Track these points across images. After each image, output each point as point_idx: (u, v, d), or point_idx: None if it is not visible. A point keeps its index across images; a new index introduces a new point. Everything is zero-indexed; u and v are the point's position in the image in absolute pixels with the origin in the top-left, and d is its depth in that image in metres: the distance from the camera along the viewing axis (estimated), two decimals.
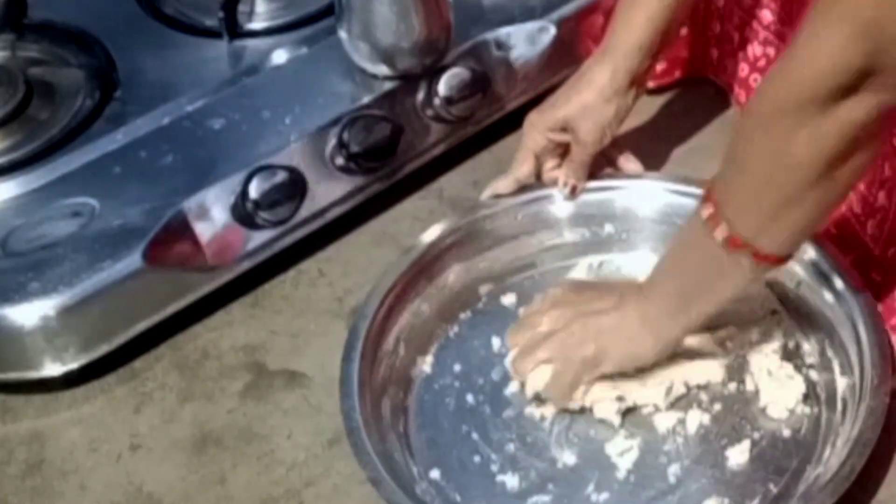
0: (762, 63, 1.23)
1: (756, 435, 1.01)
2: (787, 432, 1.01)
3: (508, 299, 1.15)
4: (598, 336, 1.00)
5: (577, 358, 1.01)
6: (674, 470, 0.99)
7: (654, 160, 1.25)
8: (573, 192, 1.16)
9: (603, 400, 1.02)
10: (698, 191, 1.14)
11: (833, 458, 0.95)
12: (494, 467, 1.01)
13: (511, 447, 1.02)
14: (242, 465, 1.06)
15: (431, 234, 1.14)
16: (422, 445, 1.04)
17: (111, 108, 1.25)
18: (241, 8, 1.33)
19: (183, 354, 1.16)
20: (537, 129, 1.16)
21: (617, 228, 1.16)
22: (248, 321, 1.18)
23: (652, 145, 1.28)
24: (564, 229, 1.17)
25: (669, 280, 0.99)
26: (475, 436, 1.04)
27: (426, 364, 1.10)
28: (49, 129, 1.23)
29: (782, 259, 0.93)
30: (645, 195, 1.17)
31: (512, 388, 1.07)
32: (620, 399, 1.02)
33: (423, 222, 1.25)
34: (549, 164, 1.18)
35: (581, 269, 1.16)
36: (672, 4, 1.12)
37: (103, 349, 1.12)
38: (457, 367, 1.09)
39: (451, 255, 1.14)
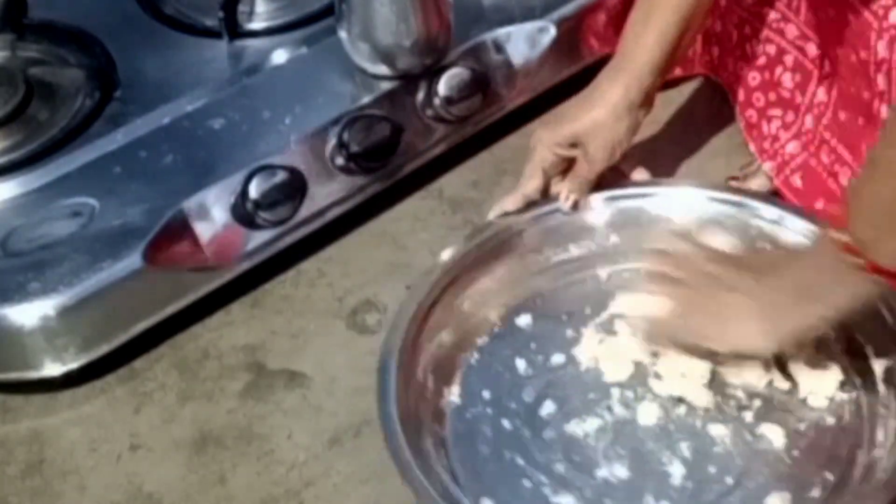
0: (762, 61, 1.23)
1: (802, 426, 1.00)
2: (831, 420, 1.01)
3: (524, 320, 1.12)
4: (719, 311, 1.00)
5: (694, 321, 1.00)
6: (728, 471, 0.98)
7: (658, 160, 1.25)
8: (576, 207, 1.15)
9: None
10: (693, 199, 1.14)
11: (890, 440, 0.95)
12: (547, 490, 0.99)
13: (560, 467, 1.00)
14: (242, 465, 1.06)
15: (443, 260, 1.12)
16: (468, 477, 1.00)
17: (111, 108, 1.25)
18: (241, 8, 1.33)
19: (183, 354, 1.16)
20: (545, 145, 1.14)
21: (623, 239, 1.15)
22: (248, 321, 1.18)
23: (656, 145, 1.28)
24: (570, 244, 1.16)
25: (790, 274, 0.97)
26: (520, 461, 1.01)
27: (454, 395, 1.07)
28: (49, 129, 1.23)
29: (890, 273, 0.90)
30: (655, 206, 1.16)
31: (547, 409, 1.04)
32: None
33: (423, 222, 1.25)
34: (555, 178, 1.17)
35: (590, 283, 1.14)
36: (683, 22, 1.12)
37: (103, 349, 1.12)
38: (486, 394, 1.06)
39: (463, 281, 1.11)
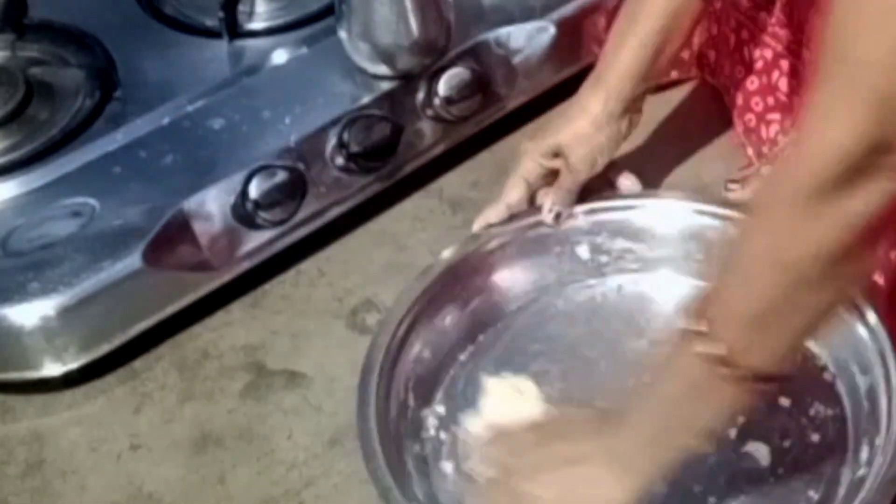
0: (759, 65, 1.23)
1: (786, 443, 0.99)
2: (815, 437, 0.99)
3: (506, 336, 1.11)
4: (572, 489, 0.90)
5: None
6: (710, 492, 0.97)
7: (653, 164, 1.25)
8: (558, 219, 1.14)
9: None
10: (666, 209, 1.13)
11: (877, 457, 0.93)
12: None
13: None
14: (242, 465, 1.06)
15: (428, 275, 1.10)
16: (451, 501, 0.98)
17: (111, 108, 1.25)
18: (241, 8, 1.33)
19: (183, 354, 1.16)
20: (530, 156, 1.15)
21: (604, 253, 1.14)
22: (248, 321, 1.18)
23: (651, 148, 1.27)
24: (556, 258, 1.14)
25: (644, 409, 0.89)
26: None
27: (435, 413, 1.05)
28: (49, 129, 1.23)
29: (768, 378, 0.83)
30: (639, 218, 1.15)
31: None
32: None
33: (423, 222, 1.25)
34: (541, 190, 1.16)
35: (573, 298, 1.14)
36: (665, 33, 1.11)
37: (103, 349, 1.12)
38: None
39: (446, 297, 1.10)
